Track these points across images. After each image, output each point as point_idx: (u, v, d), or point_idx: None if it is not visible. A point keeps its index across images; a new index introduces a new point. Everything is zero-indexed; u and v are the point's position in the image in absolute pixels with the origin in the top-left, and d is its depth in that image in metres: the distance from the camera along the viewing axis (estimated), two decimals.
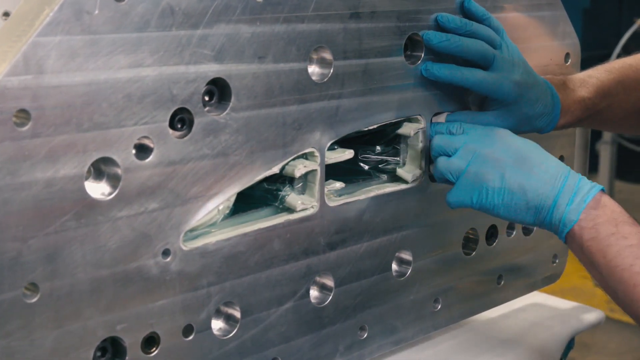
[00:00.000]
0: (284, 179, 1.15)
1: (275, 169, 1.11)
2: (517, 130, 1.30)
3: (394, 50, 1.22)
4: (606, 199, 1.16)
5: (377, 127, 1.24)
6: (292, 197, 1.14)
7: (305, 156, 1.14)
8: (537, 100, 1.31)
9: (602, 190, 1.17)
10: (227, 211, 1.07)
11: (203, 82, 1.00)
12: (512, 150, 1.20)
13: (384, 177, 1.30)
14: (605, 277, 1.13)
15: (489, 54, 1.27)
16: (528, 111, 1.31)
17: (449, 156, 1.23)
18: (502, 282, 1.49)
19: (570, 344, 1.54)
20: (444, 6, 1.28)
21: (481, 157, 1.20)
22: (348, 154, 1.20)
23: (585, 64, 1.53)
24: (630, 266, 1.10)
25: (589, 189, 1.16)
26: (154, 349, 1.01)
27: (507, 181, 1.18)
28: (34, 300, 0.89)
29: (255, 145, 1.07)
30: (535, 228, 1.51)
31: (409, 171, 1.29)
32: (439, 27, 1.26)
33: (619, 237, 1.12)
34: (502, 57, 1.29)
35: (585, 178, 1.18)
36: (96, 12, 0.90)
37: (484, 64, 1.28)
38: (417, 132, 1.28)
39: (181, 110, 0.99)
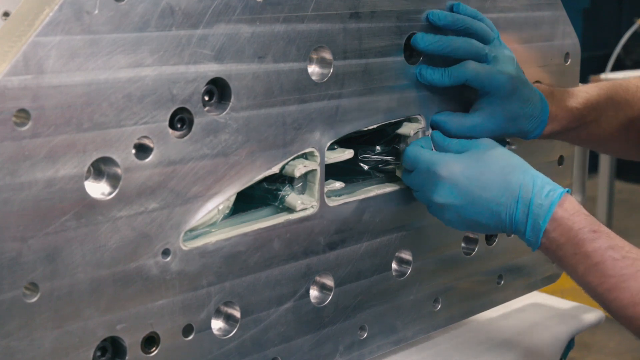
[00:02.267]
0: (284, 178, 1.15)
1: (275, 169, 1.11)
2: (504, 132, 1.29)
3: (394, 50, 1.22)
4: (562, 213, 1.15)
5: (377, 127, 1.24)
6: (292, 197, 1.14)
7: (305, 156, 1.15)
8: (528, 99, 1.30)
9: (563, 194, 1.16)
10: (227, 211, 1.07)
11: (203, 82, 1.00)
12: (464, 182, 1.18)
13: (384, 177, 1.30)
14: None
15: (481, 51, 1.26)
16: (518, 109, 1.29)
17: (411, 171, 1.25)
18: (502, 282, 1.49)
19: (570, 344, 1.54)
20: (444, 6, 1.28)
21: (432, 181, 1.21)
22: (348, 154, 1.20)
23: (585, 64, 1.53)
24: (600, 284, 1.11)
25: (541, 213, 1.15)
26: (154, 349, 1.01)
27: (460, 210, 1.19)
28: (34, 300, 0.89)
29: (255, 145, 1.07)
30: None
31: None
32: (430, 25, 1.25)
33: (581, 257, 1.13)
34: (496, 51, 1.28)
35: (540, 191, 1.16)
36: (96, 12, 0.90)
37: (477, 60, 1.27)
38: (417, 132, 1.28)
39: (181, 110, 0.99)
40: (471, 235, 1.42)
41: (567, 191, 1.16)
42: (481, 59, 1.27)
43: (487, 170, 1.18)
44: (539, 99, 1.33)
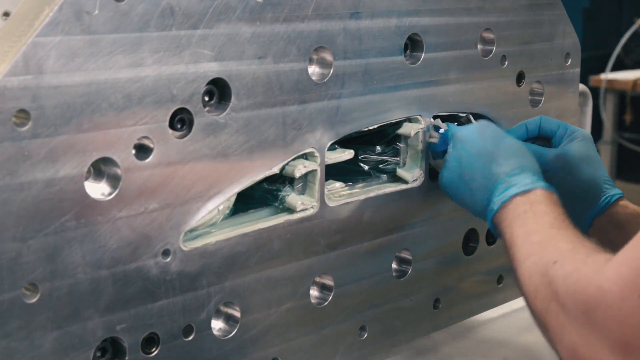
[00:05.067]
0: (284, 179, 1.14)
1: (275, 169, 1.11)
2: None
3: (394, 50, 1.22)
4: (538, 192, 1.13)
5: (377, 127, 1.24)
6: (292, 198, 1.14)
7: (305, 156, 1.14)
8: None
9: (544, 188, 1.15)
10: (227, 211, 1.07)
11: (203, 82, 1.00)
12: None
13: (384, 177, 1.30)
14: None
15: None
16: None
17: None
18: (503, 283, 1.49)
19: None
20: (444, 6, 1.28)
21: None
22: (348, 154, 1.20)
23: (585, 64, 1.53)
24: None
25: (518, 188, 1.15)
26: (154, 349, 1.00)
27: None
28: (34, 300, 0.89)
29: (255, 145, 1.07)
30: None
31: (409, 171, 1.29)
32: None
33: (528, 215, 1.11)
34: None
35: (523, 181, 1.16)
36: (96, 12, 0.90)
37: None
38: (417, 132, 1.28)
39: (181, 110, 0.99)
40: (471, 235, 1.42)
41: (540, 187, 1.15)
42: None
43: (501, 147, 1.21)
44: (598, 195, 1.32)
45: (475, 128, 1.26)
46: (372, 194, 1.24)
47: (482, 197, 1.18)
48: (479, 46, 1.36)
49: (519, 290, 1.07)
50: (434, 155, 1.29)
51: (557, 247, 1.01)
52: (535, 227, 1.08)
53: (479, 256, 1.43)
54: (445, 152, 1.26)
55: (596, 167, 1.31)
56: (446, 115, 1.32)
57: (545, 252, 1.02)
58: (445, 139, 1.26)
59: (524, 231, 1.08)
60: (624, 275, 0.87)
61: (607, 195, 1.31)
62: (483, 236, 1.44)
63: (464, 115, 1.36)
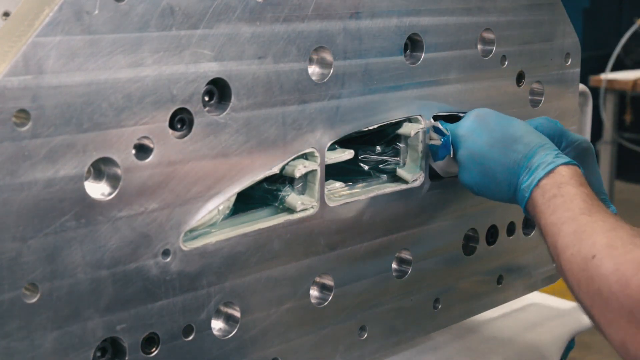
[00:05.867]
0: (284, 179, 1.14)
1: (275, 169, 1.11)
2: None
3: (394, 50, 1.22)
4: (562, 170, 1.15)
5: (377, 127, 1.24)
6: (292, 198, 1.14)
7: (305, 156, 1.14)
8: None
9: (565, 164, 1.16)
10: (227, 211, 1.07)
11: (203, 82, 1.00)
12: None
13: (384, 177, 1.30)
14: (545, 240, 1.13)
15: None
16: None
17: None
18: (503, 283, 1.49)
19: (570, 344, 1.54)
20: (444, 6, 1.28)
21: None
22: (348, 154, 1.20)
23: (585, 64, 1.53)
24: (556, 222, 1.10)
25: (546, 165, 1.16)
26: (154, 349, 1.00)
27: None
28: (34, 300, 0.89)
29: (255, 145, 1.07)
30: (535, 228, 1.51)
31: (409, 171, 1.29)
32: None
33: (558, 198, 1.12)
34: None
35: (549, 153, 1.17)
36: (96, 12, 0.90)
37: None
38: (417, 132, 1.28)
39: (181, 110, 0.99)
40: (471, 235, 1.42)
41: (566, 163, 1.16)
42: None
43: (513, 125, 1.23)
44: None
45: (473, 120, 1.26)
46: (372, 194, 1.24)
47: (508, 187, 1.20)
48: (479, 46, 1.36)
49: (562, 278, 1.09)
50: (434, 157, 1.29)
51: (593, 241, 1.03)
52: (566, 214, 1.08)
53: (479, 256, 1.43)
54: (445, 155, 1.27)
55: (592, 183, 1.25)
56: (446, 115, 1.32)
57: (582, 245, 1.03)
58: (447, 144, 1.26)
59: (556, 219, 1.09)
60: None
61: None
62: (483, 236, 1.44)
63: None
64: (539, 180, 1.14)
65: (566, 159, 1.16)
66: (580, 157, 1.29)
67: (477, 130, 1.24)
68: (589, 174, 1.28)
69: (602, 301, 0.98)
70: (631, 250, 0.98)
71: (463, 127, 1.25)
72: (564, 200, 1.10)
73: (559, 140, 1.30)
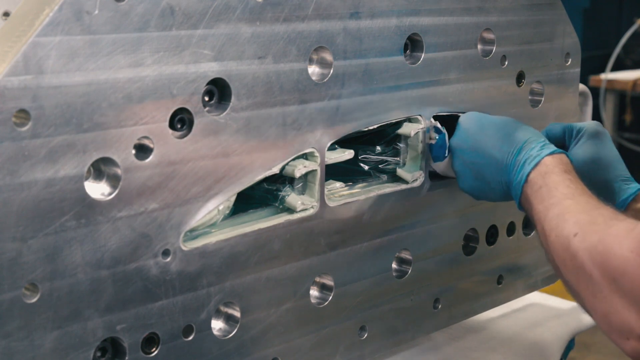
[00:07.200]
0: (284, 179, 1.14)
1: (275, 169, 1.11)
2: None
3: (394, 50, 1.22)
4: (547, 160, 1.16)
5: (377, 127, 1.24)
6: (292, 198, 1.14)
7: (305, 156, 1.14)
8: None
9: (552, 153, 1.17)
10: (227, 211, 1.07)
11: (203, 82, 1.00)
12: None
13: (384, 177, 1.30)
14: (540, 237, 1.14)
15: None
16: None
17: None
18: (503, 283, 1.49)
19: (570, 344, 1.54)
20: (444, 6, 1.28)
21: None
22: (348, 154, 1.20)
23: (585, 64, 1.53)
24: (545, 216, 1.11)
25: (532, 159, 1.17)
26: (154, 349, 1.00)
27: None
28: (34, 300, 0.89)
29: (255, 145, 1.07)
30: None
31: (409, 171, 1.29)
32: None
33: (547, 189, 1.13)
34: None
35: (534, 147, 1.18)
36: (96, 12, 0.90)
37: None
38: (417, 132, 1.28)
39: (181, 110, 0.99)
40: (471, 235, 1.42)
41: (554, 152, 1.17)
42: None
43: (495, 123, 1.25)
44: None
45: (459, 128, 1.28)
46: (372, 194, 1.24)
47: (502, 187, 1.21)
48: (479, 46, 1.36)
49: (550, 262, 1.10)
50: (434, 157, 1.29)
51: (575, 220, 1.04)
52: (551, 201, 1.11)
53: (479, 256, 1.43)
54: (443, 156, 1.28)
55: (607, 167, 1.27)
56: (446, 115, 1.32)
57: (565, 225, 1.05)
58: (442, 143, 1.28)
59: (542, 207, 1.11)
60: None
61: (622, 198, 1.27)
62: (483, 236, 1.44)
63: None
64: (527, 175, 1.16)
65: (552, 148, 1.17)
66: (594, 140, 1.30)
67: (463, 138, 1.27)
68: (605, 153, 1.29)
69: (585, 275, 0.99)
70: (613, 225, 1.00)
71: (453, 138, 1.28)
72: (548, 188, 1.13)
73: (570, 132, 1.32)
